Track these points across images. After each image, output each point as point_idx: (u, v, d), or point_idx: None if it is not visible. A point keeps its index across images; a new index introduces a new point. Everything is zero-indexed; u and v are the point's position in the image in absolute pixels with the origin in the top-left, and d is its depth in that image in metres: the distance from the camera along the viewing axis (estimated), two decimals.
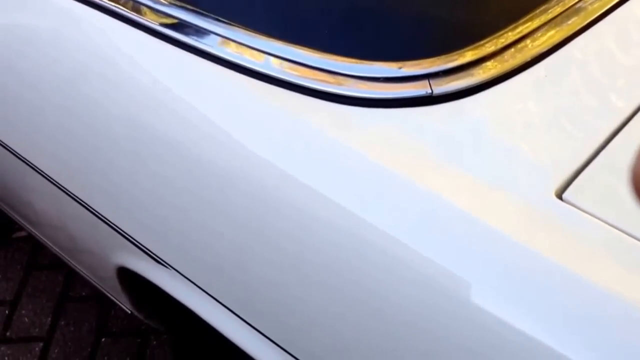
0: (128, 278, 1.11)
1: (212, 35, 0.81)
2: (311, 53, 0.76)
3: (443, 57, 0.74)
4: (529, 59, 0.75)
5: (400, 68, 0.73)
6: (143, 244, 0.96)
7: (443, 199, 0.66)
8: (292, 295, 0.79)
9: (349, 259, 0.70)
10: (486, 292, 0.63)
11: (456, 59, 0.73)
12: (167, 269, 0.95)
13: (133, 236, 0.97)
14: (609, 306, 0.59)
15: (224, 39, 0.81)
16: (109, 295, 1.32)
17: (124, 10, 0.88)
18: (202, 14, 0.83)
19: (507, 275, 0.62)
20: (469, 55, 0.74)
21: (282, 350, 0.84)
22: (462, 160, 0.68)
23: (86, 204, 1.03)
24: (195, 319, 0.97)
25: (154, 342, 1.74)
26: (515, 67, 0.74)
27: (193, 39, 0.83)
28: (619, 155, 0.69)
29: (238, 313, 0.88)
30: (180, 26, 0.84)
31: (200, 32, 0.82)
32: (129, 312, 1.30)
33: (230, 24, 0.81)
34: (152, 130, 0.85)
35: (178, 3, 0.85)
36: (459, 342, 0.64)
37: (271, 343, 0.85)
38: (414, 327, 0.67)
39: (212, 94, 0.81)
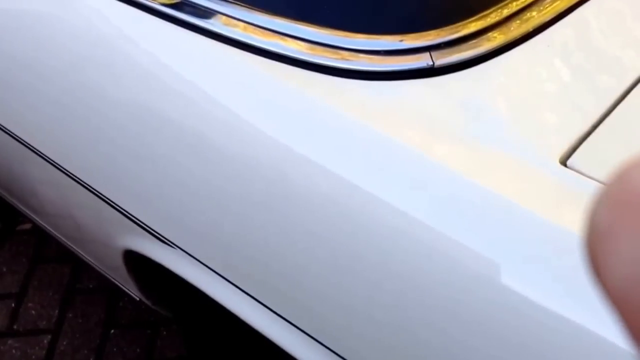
0: (134, 261, 1.11)
1: (215, 14, 0.81)
2: (313, 28, 0.76)
3: (444, 29, 0.74)
4: (530, 30, 0.75)
5: (401, 41, 0.73)
6: (148, 224, 0.97)
7: (447, 167, 0.66)
8: (304, 272, 0.79)
9: (355, 232, 0.70)
10: (493, 258, 0.63)
11: (457, 31, 0.74)
12: (174, 249, 0.95)
13: (138, 217, 0.97)
14: None
15: (226, 17, 0.81)
16: (117, 282, 1.32)
17: None
18: None
19: (511, 241, 0.63)
20: (470, 27, 0.74)
21: (298, 330, 0.84)
22: (464, 129, 0.69)
23: (90, 187, 1.03)
24: (204, 300, 0.97)
25: (164, 333, 1.74)
26: (517, 37, 0.74)
27: (195, 17, 0.83)
28: (623, 122, 0.69)
29: (247, 290, 0.88)
30: (182, 5, 0.84)
31: (202, 10, 0.83)
32: (137, 298, 1.30)
33: (231, 2, 0.81)
34: (156, 111, 0.86)
35: None
36: (474, 316, 0.65)
37: (285, 322, 0.85)
38: (424, 299, 0.67)
39: (215, 72, 0.81)
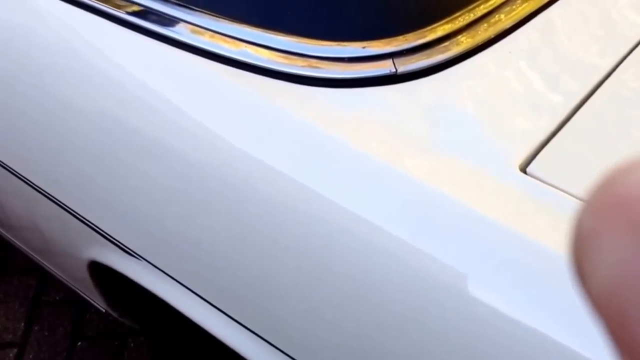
0: (100, 273, 1.10)
1: (181, 22, 0.81)
2: (276, 36, 0.76)
3: (406, 35, 0.74)
4: (491, 36, 0.75)
5: (364, 48, 0.74)
6: (113, 236, 0.96)
7: (409, 175, 0.67)
8: (270, 282, 0.79)
9: (321, 241, 0.70)
10: (454, 265, 0.63)
11: (419, 37, 0.74)
12: (139, 260, 0.94)
13: (103, 228, 0.96)
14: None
15: (192, 25, 0.81)
16: (83, 294, 1.30)
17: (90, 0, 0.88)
18: (169, 2, 0.83)
19: (472, 248, 0.63)
20: (432, 33, 0.74)
21: (262, 340, 0.84)
22: (426, 137, 0.69)
23: (55, 198, 1.02)
24: (169, 312, 0.96)
25: (132, 345, 1.72)
26: (479, 43, 0.75)
27: (161, 27, 0.82)
28: (582, 129, 0.70)
29: (212, 302, 0.88)
30: (148, 14, 0.83)
31: (167, 19, 0.82)
32: (104, 310, 1.28)
33: (197, 10, 0.81)
34: (121, 120, 0.85)
35: None
36: (430, 321, 0.65)
37: (250, 332, 0.85)
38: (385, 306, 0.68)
39: (180, 81, 0.81)
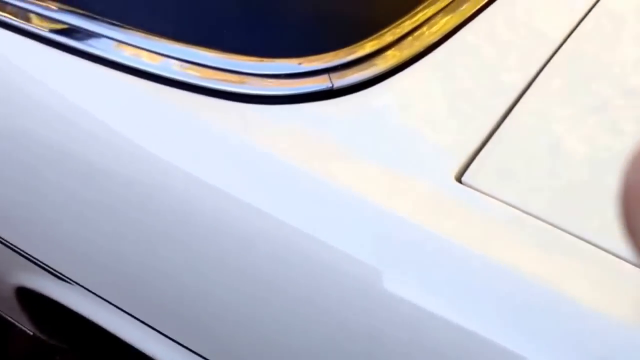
0: (27, 297, 1.06)
1: (107, 39, 0.79)
2: (210, 53, 0.75)
3: (342, 50, 0.75)
4: (425, 47, 0.77)
5: (300, 64, 0.74)
6: (41, 260, 0.93)
7: (347, 189, 0.67)
8: (197, 298, 0.78)
9: (261, 258, 0.70)
10: (387, 275, 0.64)
11: (355, 52, 0.75)
12: (68, 284, 0.92)
13: (30, 253, 0.93)
14: (510, 281, 0.62)
15: (117, 42, 0.79)
16: (9, 317, 1.26)
17: (9, 18, 0.85)
18: (93, 18, 0.81)
19: (408, 257, 0.64)
20: (367, 47, 0.76)
21: (186, 350, 0.83)
22: (363, 150, 0.70)
23: None
24: (100, 333, 0.95)
25: None
26: (412, 56, 0.76)
27: (86, 44, 0.80)
28: (513, 136, 0.72)
29: (143, 319, 0.87)
30: (71, 31, 0.81)
31: (93, 36, 0.80)
32: (31, 333, 1.24)
33: (124, 27, 0.80)
34: (42, 138, 0.82)
35: (67, 8, 0.83)
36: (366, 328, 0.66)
37: (177, 345, 0.85)
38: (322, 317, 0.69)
39: (109, 100, 0.79)
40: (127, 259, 0.83)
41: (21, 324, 1.23)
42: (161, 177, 0.74)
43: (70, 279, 0.91)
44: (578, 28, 0.83)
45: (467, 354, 0.62)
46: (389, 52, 0.76)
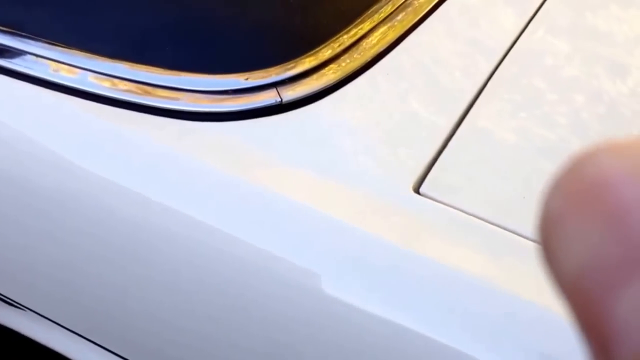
0: None
1: (45, 60, 0.75)
2: (155, 72, 0.73)
3: (288, 64, 0.73)
4: (370, 59, 0.76)
5: (246, 79, 0.72)
6: None
7: (300, 203, 0.66)
8: (141, 315, 0.77)
9: (207, 272, 0.69)
10: (348, 286, 0.64)
11: (301, 65, 0.74)
12: (18, 310, 0.88)
13: None
14: (464, 283, 0.62)
15: (58, 64, 0.75)
16: None
17: None
18: (15, 34, 0.76)
19: (372, 274, 0.64)
20: (313, 60, 0.74)
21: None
22: (317, 164, 0.69)
23: None
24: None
25: None
26: (359, 67, 0.75)
27: (6, 60, 0.76)
28: (466, 145, 0.72)
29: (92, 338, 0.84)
30: (2, 51, 0.77)
31: (14, 53, 0.76)
32: None
33: (65, 48, 0.76)
34: None
35: None
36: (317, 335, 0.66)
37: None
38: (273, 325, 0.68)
39: (49, 122, 0.76)
40: (56, 273, 0.80)
41: None
42: (116, 199, 0.71)
43: (20, 304, 0.87)
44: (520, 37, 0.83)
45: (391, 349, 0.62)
46: (335, 65, 0.75)
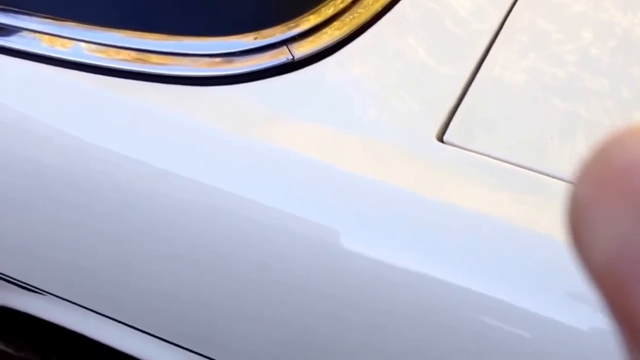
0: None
1: (31, 33, 0.72)
2: (163, 39, 0.70)
3: (295, 20, 0.71)
4: (381, 8, 0.74)
5: (255, 39, 0.70)
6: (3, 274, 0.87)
7: (326, 162, 0.65)
8: (138, 274, 0.76)
9: (225, 234, 0.68)
10: (391, 245, 0.62)
11: (310, 20, 0.71)
12: (36, 294, 0.87)
13: None
14: (500, 229, 0.61)
15: (52, 37, 0.72)
16: None
17: None
18: (3, 10, 0.73)
19: (406, 224, 0.63)
20: (322, 14, 0.72)
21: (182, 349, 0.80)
22: (337, 120, 0.67)
23: None
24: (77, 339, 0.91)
25: None
26: (368, 20, 0.73)
27: (17, 42, 0.74)
28: (485, 91, 0.70)
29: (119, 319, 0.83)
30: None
31: (3, 30, 0.73)
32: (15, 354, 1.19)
33: (60, 20, 0.73)
34: None
35: None
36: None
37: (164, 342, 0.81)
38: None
39: (47, 95, 0.73)
40: (65, 250, 0.79)
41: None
42: (127, 171, 0.69)
43: (37, 288, 0.86)
44: None
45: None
46: (347, 16, 0.72)
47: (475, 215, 0.61)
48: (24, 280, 0.86)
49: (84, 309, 0.84)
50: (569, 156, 0.65)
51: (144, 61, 0.70)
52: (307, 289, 0.67)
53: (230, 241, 0.68)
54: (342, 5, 0.74)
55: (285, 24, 0.71)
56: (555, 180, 0.62)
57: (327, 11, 0.73)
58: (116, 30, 0.71)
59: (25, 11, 0.74)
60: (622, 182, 0.13)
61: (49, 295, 0.86)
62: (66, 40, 0.73)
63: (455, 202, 0.61)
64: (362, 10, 0.74)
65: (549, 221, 0.61)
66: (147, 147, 0.69)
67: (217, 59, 0.70)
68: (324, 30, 0.72)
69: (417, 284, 0.62)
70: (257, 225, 0.66)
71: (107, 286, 0.81)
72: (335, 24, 0.73)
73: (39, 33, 0.73)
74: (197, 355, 0.80)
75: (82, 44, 0.72)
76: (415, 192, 0.63)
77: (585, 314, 0.58)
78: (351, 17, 0.74)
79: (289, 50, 0.69)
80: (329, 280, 0.65)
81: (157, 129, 0.69)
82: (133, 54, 0.70)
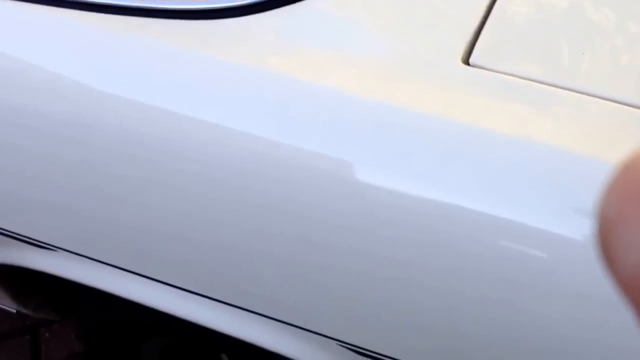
0: (5, 274, 0.98)
1: None
2: None
3: None
4: None
5: None
6: (16, 232, 0.85)
7: (352, 91, 0.61)
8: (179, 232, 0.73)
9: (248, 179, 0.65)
10: (417, 175, 0.59)
11: None
12: (51, 251, 0.84)
13: (1, 226, 0.84)
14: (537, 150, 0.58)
15: None
16: None
17: None
18: None
19: (433, 153, 0.59)
20: None
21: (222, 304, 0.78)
22: (359, 45, 0.63)
23: None
24: (97, 294, 0.88)
25: (47, 335, 1.60)
26: None
27: None
28: (511, 8, 0.66)
29: (137, 271, 0.81)
30: None
31: None
32: (15, 311, 1.17)
33: None
34: None
35: None
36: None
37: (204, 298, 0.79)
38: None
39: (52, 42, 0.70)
40: (101, 209, 0.76)
41: (1, 304, 1.16)
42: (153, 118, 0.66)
43: (52, 245, 0.83)
44: None
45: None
46: None
47: (513, 141, 0.57)
48: (35, 237, 0.84)
49: (96, 262, 0.82)
50: (602, 73, 0.61)
51: None
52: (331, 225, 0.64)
53: (240, 179, 0.65)
54: None
55: None
56: (593, 98, 0.59)
57: None
58: None
59: None
60: None
61: (61, 251, 0.84)
62: None
63: (489, 126, 0.58)
64: None
65: (590, 141, 0.57)
66: (154, 87, 0.66)
67: None
68: None
69: (449, 213, 0.59)
70: (273, 161, 0.63)
71: (120, 235, 0.78)
72: None
73: None
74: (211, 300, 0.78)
75: None
76: (447, 118, 0.59)
77: None
78: None
79: None
80: (351, 212, 0.62)
81: (159, 66, 0.66)
82: None
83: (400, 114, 0.60)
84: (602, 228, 0.14)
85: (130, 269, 0.81)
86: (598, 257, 0.14)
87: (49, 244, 0.82)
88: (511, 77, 0.61)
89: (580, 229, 0.56)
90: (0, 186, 0.79)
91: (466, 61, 0.62)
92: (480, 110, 0.59)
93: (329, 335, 0.74)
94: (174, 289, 0.80)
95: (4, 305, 1.16)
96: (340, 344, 0.74)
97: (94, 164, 0.71)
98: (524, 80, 0.61)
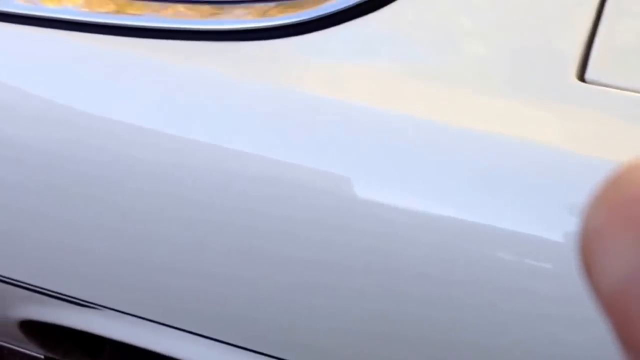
0: (34, 328, 0.90)
1: None
2: None
3: None
4: None
5: None
6: (44, 288, 0.76)
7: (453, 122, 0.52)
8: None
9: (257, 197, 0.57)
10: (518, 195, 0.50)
11: None
12: (77, 307, 0.76)
13: (31, 284, 0.76)
14: None
15: None
16: (13, 346, 1.10)
17: None
18: None
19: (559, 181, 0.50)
20: None
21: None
22: (472, 60, 0.54)
23: None
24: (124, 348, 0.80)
25: None
26: None
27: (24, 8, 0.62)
28: (618, 22, 0.57)
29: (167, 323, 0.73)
30: None
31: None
32: (43, 357, 1.09)
33: None
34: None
35: None
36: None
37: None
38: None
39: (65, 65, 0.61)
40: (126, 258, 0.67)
41: (29, 350, 1.08)
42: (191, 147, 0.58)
43: (79, 300, 0.75)
44: None
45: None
46: None
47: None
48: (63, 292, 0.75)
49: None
50: None
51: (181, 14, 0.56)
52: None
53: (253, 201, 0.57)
54: None
55: None
56: None
57: None
58: None
59: None
60: (632, 212, 0.13)
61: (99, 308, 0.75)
62: None
63: (621, 156, 0.48)
64: None
65: None
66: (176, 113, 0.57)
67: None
68: None
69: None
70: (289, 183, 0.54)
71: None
72: None
73: None
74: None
75: None
76: (569, 149, 0.50)
77: None
78: None
79: None
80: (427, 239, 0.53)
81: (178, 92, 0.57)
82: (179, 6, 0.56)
83: (523, 145, 0.50)
84: (583, 240, 0.14)
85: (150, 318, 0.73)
86: (579, 272, 0.14)
87: (75, 298, 0.73)
88: (628, 93, 0.52)
89: None
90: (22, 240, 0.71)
91: (582, 78, 0.53)
92: (604, 135, 0.50)
93: None
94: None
95: (32, 350, 1.08)
96: None
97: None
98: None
